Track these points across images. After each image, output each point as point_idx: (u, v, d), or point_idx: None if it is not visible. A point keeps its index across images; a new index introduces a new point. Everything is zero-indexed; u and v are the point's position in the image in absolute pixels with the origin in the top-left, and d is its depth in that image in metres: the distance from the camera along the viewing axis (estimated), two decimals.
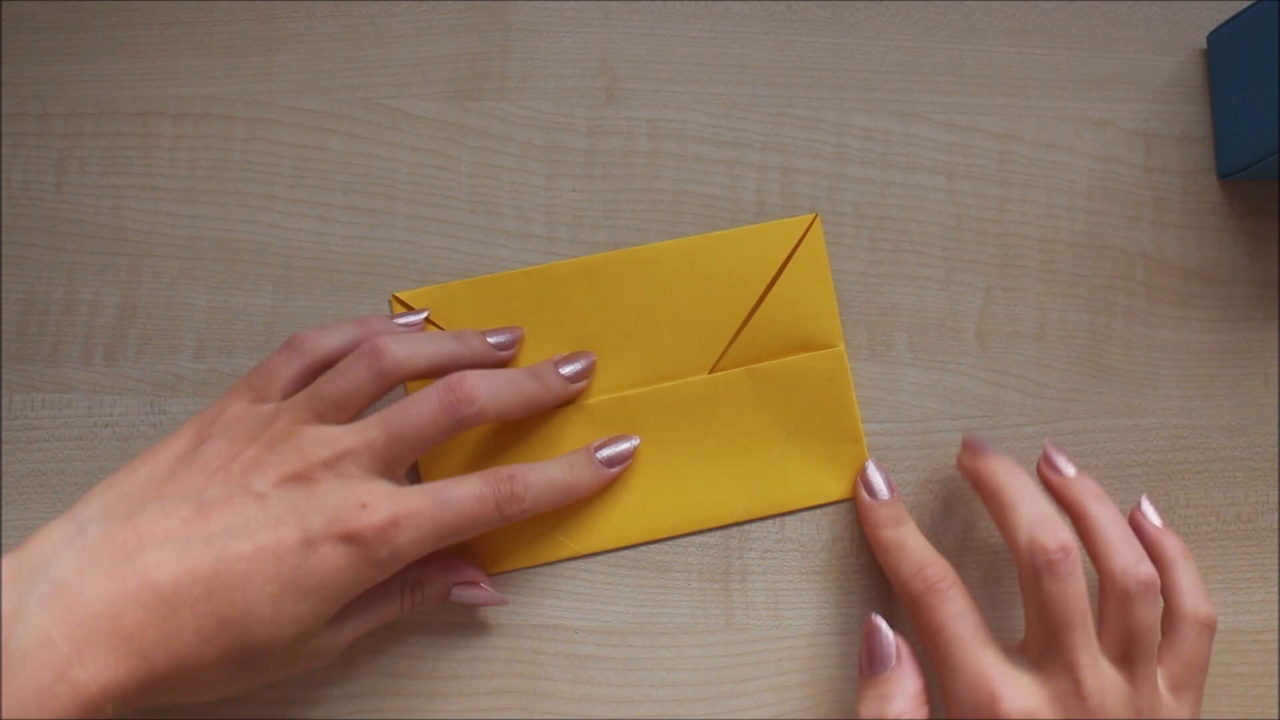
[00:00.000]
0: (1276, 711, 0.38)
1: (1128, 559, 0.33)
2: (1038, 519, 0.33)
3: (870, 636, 0.35)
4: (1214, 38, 0.40)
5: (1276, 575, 0.38)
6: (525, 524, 0.37)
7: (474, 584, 0.36)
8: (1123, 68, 0.40)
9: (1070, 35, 0.40)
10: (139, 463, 0.32)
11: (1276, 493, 0.39)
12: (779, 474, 0.37)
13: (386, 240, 0.39)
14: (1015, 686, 0.32)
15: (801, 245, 0.38)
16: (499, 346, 0.36)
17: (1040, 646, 0.32)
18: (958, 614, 0.33)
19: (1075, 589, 0.32)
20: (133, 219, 0.39)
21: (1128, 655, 0.32)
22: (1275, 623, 0.38)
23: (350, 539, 0.30)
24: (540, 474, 0.34)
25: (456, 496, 0.32)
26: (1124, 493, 0.38)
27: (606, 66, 0.40)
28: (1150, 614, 0.32)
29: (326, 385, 0.32)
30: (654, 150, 0.39)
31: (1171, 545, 0.35)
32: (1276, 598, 0.38)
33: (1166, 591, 0.34)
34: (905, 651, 0.34)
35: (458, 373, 0.33)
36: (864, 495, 0.37)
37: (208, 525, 0.29)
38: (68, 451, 0.38)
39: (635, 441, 0.37)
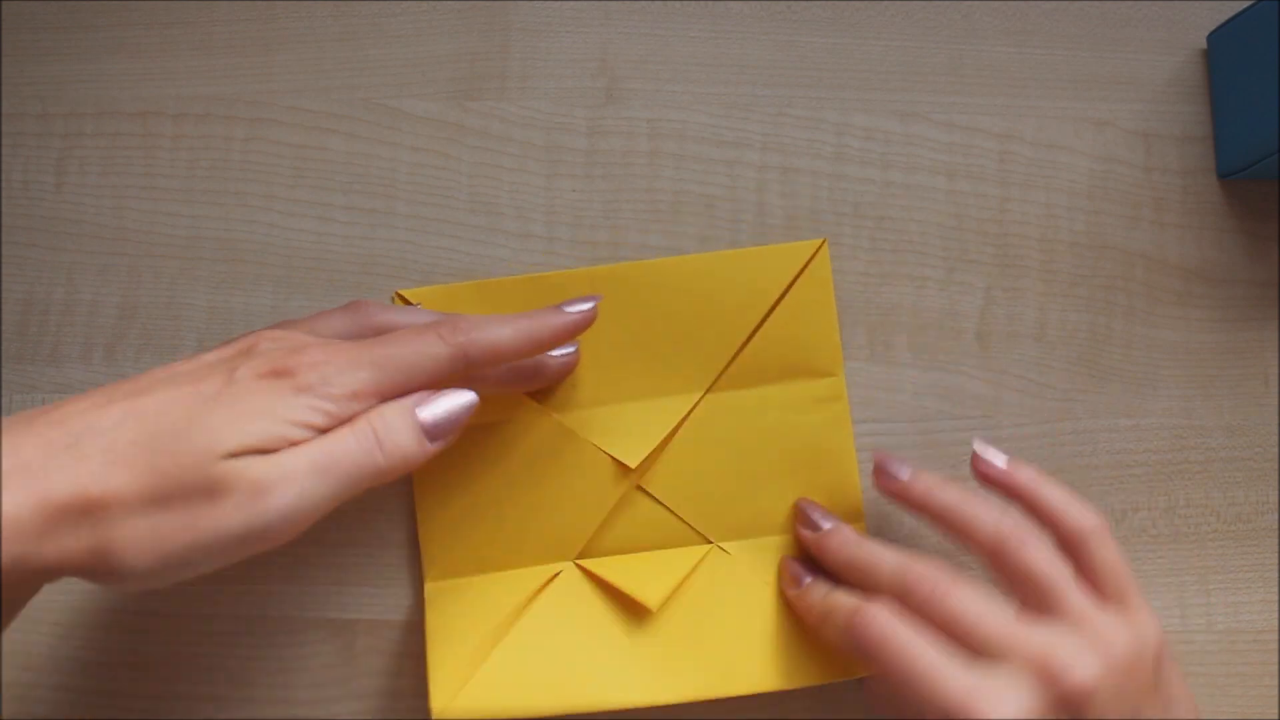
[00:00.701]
0: (1276, 711, 0.38)
1: (987, 520, 0.32)
2: (896, 568, 0.32)
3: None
4: (1214, 38, 0.40)
5: (1276, 575, 0.38)
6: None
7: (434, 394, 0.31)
8: (1123, 68, 0.40)
9: (1070, 35, 0.40)
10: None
11: (1276, 493, 0.39)
12: (762, 505, 0.37)
13: (386, 240, 0.39)
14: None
15: (807, 270, 0.38)
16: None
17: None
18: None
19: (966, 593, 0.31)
20: (133, 219, 0.39)
21: (1041, 600, 0.31)
22: (1275, 623, 0.38)
23: (276, 373, 0.28)
24: (491, 319, 0.32)
25: (397, 343, 0.30)
26: (1124, 493, 0.38)
27: (606, 66, 0.40)
28: (1040, 551, 0.31)
29: (308, 323, 0.32)
30: (654, 150, 0.39)
31: (1024, 476, 0.34)
32: (1276, 598, 0.38)
33: (1043, 520, 0.33)
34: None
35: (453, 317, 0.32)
36: (806, 532, 0.36)
37: (138, 384, 0.28)
38: None
39: (598, 298, 0.35)
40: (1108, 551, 0.32)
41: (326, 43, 0.39)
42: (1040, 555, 0.31)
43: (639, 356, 0.37)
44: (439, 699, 0.34)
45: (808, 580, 0.35)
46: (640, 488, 0.37)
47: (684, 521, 0.37)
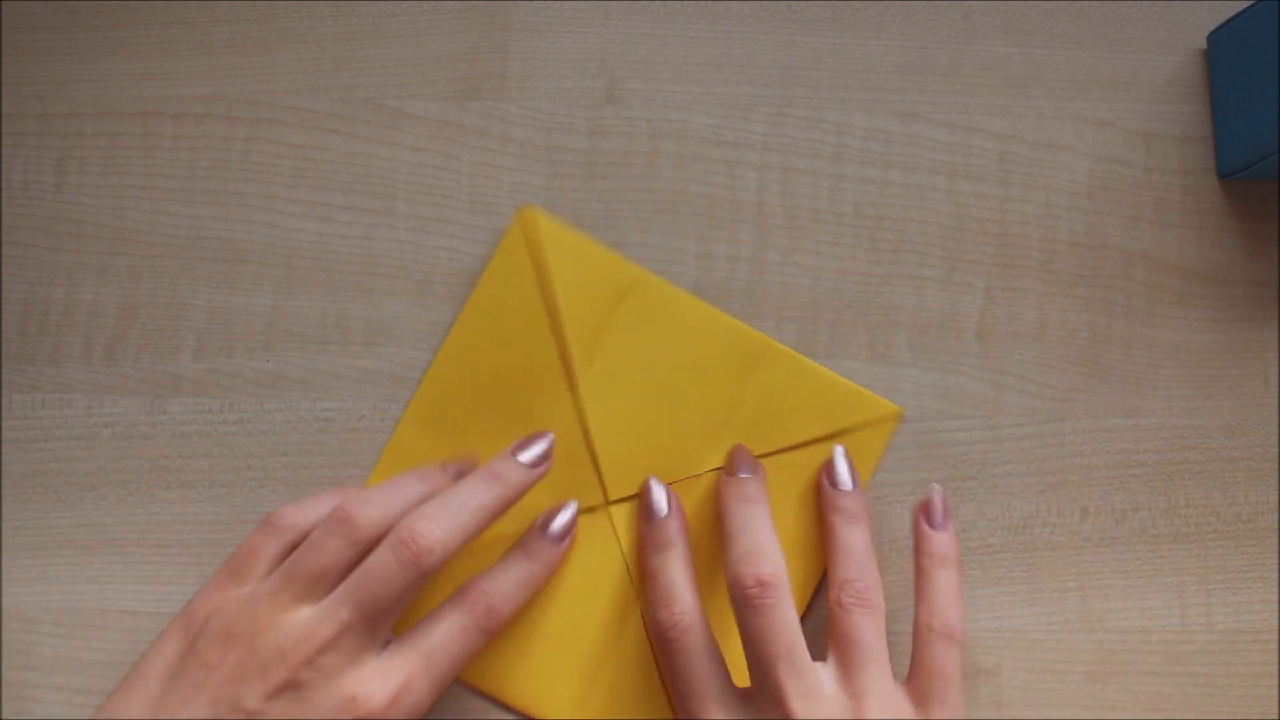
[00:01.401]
0: (1276, 711, 0.38)
1: (842, 574, 0.33)
2: (744, 553, 0.33)
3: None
4: (1214, 38, 0.40)
5: (1276, 575, 0.38)
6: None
7: None
8: (1123, 68, 0.40)
9: (1070, 35, 0.40)
10: (132, 680, 0.32)
11: (1276, 493, 0.39)
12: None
13: (386, 240, 0.39)
14: None
15: (865, 429, 0.38)
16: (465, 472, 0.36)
17: (756, 683, 0.32)
18: (688, 663, 0.33)
19: (776, 619, 0.32)
20: (133, 219, 0.39)
21: (845, 664, 0.32)
22: (1275, 623, 0.38)
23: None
24: (506, 577, 0.34)
25: (440, 642, 0.32)
26: (1124, 493, 0.38)
27: (606, 66, 0.40)
28: (862, 624, 0.32)
29: (302, 561, 0.32)
30: (654, 150, 0.39)
31: (935, 551, 0.35)
32: (1276, 598, 0.38)
33: (915, 600, 0.34)
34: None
35: (407, 522, 0.32)
36: (640, 517, 0.36)
37: None
38: (68, 451, 0.38)
39: (574, 506, 0.36)
40: (949, 657, 0.33)
41: (326, 43, 0.39)
42: (861, 624, 0.32)
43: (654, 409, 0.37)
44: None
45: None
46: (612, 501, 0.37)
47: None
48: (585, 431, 0.37)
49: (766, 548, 0.33)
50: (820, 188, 0.39)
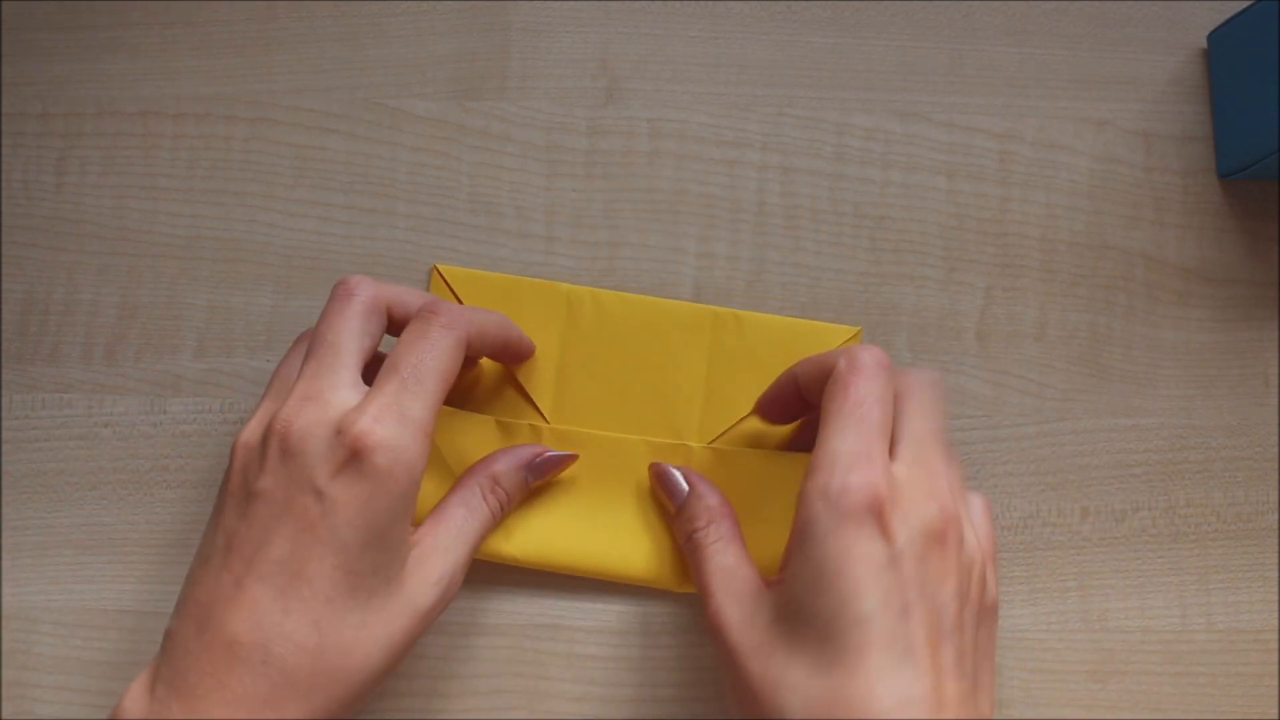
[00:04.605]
0: (1276, 711, 0.38)
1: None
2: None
3: (660, 479, 0.36)
4: (1214, 38, 0.40)
5: (1276, 575, 0.38)
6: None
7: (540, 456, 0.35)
8: (1123, 68, 0.40)
9: (1070, 35, 0.40)
10: (208, 537, 0.30)
11: (1276, 493, 0.39)
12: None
13: (386, 240, 0.39)
14: None
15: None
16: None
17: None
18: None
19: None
20: (133, 219, 0.39)
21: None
22: (1275, 623, 0.38)
23: (351, 459, 0.28)
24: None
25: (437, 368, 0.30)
26: (1124, 493, 0.38)
27: (606, 66, 0.40)
28: None
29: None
30: (654, 150, 0.39)
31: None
32: (1276, 598, 0.38)
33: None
34: (694, 477, 0.35)
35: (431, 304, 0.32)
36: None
37: (255, 567, 0.28)
38: (68, 451, 0.38)
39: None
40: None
41: (326, 43, 0.40)
42: None
43: (646, 398, 0.37)
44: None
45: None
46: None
47: None
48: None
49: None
50: (820, 188, 0.39)
